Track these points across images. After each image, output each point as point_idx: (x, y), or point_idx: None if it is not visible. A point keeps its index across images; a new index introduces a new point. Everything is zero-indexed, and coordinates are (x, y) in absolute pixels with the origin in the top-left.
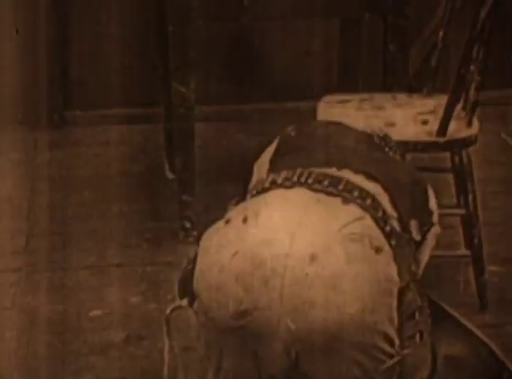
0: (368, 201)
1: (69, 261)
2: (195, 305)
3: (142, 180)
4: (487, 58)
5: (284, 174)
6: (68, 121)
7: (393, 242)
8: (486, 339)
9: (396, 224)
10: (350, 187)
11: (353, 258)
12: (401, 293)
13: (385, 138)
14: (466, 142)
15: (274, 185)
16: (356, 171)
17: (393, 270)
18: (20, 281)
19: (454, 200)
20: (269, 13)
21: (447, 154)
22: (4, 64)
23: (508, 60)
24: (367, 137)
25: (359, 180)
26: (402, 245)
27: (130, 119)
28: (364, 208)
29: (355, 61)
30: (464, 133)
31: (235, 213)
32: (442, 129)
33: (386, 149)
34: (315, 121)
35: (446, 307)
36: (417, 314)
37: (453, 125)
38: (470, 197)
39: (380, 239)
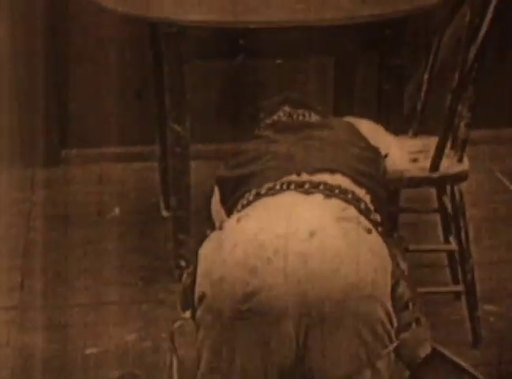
0: (349, 195)
1: (64, 299)
2: (199, 311)
3: (137, 218)
4: (477, 96)
5: (265, 187)
6: (64, 160)
7: (380, 232)
8: (480, 377)
9: (376, 214)
10: (329, 187)
11: (349, 234)
12: (392, 289)
13: (291, 114)
14: (458, 177)
15: (259, 196)
16: (321, 170)
17: (385, 250)
18: (16, 319)
19: (441, 240)
20: (265, 52)
21: (433, 195)
22: (1, 102)
23: (503, 99)
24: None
25: (331, 177)
26: (389, 240)
27: (126, 157)
28: (347, 201)
29: (350, 99)
30: (456, 168)
31: (226, 222)
32: (435, 164)
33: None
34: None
35: (436, 345)
36: (410, 305)
37: (444, 162)
38: (462, 233)
39: (368, 224)
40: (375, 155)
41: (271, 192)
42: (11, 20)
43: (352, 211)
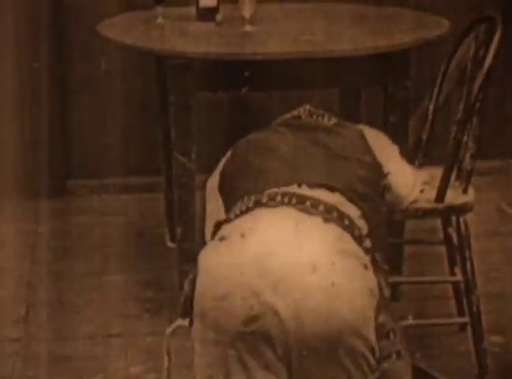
0: (346, 221)
1: (69, 331)
2: (198, 323)
3: (143, 249)
4: (482, 127)
5: (266, 194)
6: (69, 191)
7: (370, 259)
8: None
9: (363, 224)
10: (329, 209)
11: (349, 272)
12: (376, 315)
13: (311, 113)
14: (463, 208)
15: (258, 204)
16: (319, 186)
17: (375, 285)
18: (20, 351)
19: (446, 271)
20: (270, 84)
21: (438, 226)
22: (5, 134)
23: (507, 130)
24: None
25: (328, 195)
26: (376, 268)
27: (131, 188)
28: (344, 227)
29: None
30: (461, 199)
31: (228, 231)
32: (440, 195)
33: (322, 124)
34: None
35: (438, 375)
36: (391, 335)
37: (449, 193)
38: (468, 264)
39: (364, 257)
40: (377, 174)
41: (271, 203)
42: (16, 51)
43: (348, 239)
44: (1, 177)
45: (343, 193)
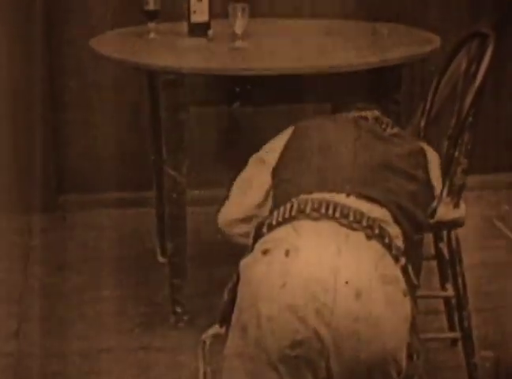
0: (386, 239)
1: (60, 346)
2: (238, 337)
3: (134, 264)
4: (473, 142)
5: (310, 204)
6: (61, 205)
7: (405, 278)
8: None
9: (401, 243)
10: (372, 224)
11: (390, 300)
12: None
13: (377, 119)
14: (454, 223)
15: (302, 214)
16: (365, 197)
17: (410, 310)
18: (12, 366)
19: (438, 286)
20: (261, 99)
21: (429, 241)
22: None
23: (499, 145)
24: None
25: (372, 208)
26: (410, 288)
27: (123, 203)
28: (383, 245)
29: None
30: (452, 214)
31: (271, 245)
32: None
33: (384, 132)
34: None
35: None
36: (415, 356)
37: (440, 208)
38: (459, 279)
39: (403, 281)
40: (427, 194)
41: (315, 215)
42: (8, 66)
43: (389, 261)
44: None
45: (390, 210)
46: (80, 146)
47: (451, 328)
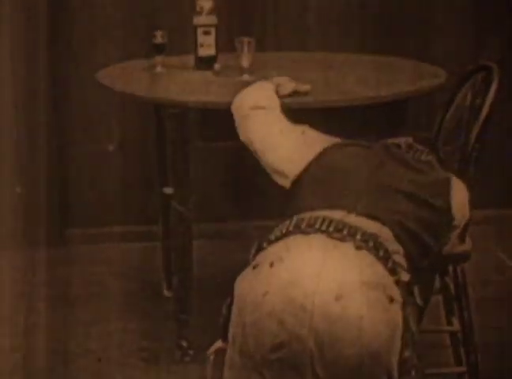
0: (381, 252)
1: None
2: (230, 349)
3: (140, 298)
4: (479, 176)
5: (307, 220)
6: (66, 239)
7: (402, 292)
8: None
9: (403, 260)
10: (366, 238)
11: (372, 304)
12: (401, 349)
13: (411, 147)
14: (460, 258)
15: (297, 229)
16: (368, 216)
17: (400, 319)
18: None
19: (444, 321)
20: None
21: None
22: (4, 182)
23: (504, 180)
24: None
25: (372, 225)
26: (408, 302)
27: (129, 237)
28: (377, 257)
29: None
30: (458, 249)
31: (261, 259)
32: None
33: (414, 160)
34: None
35: None
36: (413, 372)
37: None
38: (465, 314)
39: (392, 289)
40: (443, 221)
41: (308, 230)
42: (15, 99)
43: (378, 269)
44: None
45: (391, 228)
46: (86, 180)
47: (457, 363)
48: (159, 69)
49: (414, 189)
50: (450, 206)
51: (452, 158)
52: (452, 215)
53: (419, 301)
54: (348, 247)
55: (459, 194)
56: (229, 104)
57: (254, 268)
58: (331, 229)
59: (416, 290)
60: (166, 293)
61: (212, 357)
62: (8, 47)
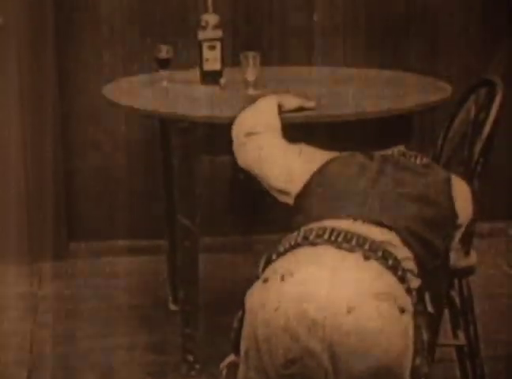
0: (390, 261)
1: None
2: (243, 365)
3: (145, 312)
4: (483, 190)
5: (315, 231)
6: (72, 253)
7: (412, 300)
8: None
9: (413, 265)
10: (375, 247)
11: (384, 316)
12: (412, 358)
13: (404, 154)
14: (465, 271)
15: (305, 241)
16: (375, 223)
17: (412, 328)
18: None
19: (450, 334)
20: None
21: None
22: (9, 195)
23: (508, 193)
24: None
25: (379, 232)
26: (418, 310)
27: (134, 251)
28: (386, 266)
29: None
30: (463, 262)
31: (271, 272)
32: None
33: (411, 163)
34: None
35: None
36: None
37: (451, 256)
38: (471, 328)
39: (403, 299)
40: (448, 221)
41: (317, 241)
42: (21, 114)
43: (387, 279)
44: (3, 239)
45: (398, 233)
46: (92, 193)
47: (464, 377)
48: (164, 83)
49: (417, 191)
50: (454, 204)
51: (456, 171)
52: (456, 214)
53: (430, 308)
54: (356, 258)
55: (461, 192)
56: (234, 119)
57: (265, 281)
58: (340, 239)
59: (426, 296)
60: (172, 307)
61: (224, 371)
62: (15, 64)
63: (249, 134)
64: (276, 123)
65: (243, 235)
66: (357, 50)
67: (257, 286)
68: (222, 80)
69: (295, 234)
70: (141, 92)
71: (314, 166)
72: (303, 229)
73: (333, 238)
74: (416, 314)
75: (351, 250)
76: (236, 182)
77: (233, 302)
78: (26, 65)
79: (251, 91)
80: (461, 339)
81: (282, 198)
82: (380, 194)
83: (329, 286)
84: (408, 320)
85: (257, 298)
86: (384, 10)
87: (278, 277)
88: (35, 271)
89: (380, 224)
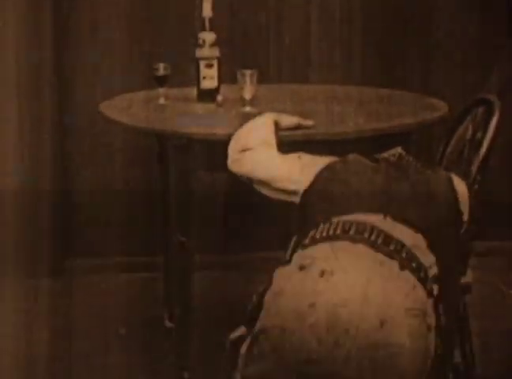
0: (422, 274)
1: None
2: (258, 339)
3: (141, 329)
4: (480, 209)
5: (355, 226)
6: (68, 270)
7: (437, 316)
8: None
9: (436, 270)
10: (410, 256)
11: (413, 333)
12: (428, 373)
13: (401, 157)
14: (462, 290)
15: (345, 235)
16: (404, 221)
17: (433, 346)
18: None
19: None
20: None
21: None
22: (6, 211)
23: (505, 212)
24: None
25: (409, 234)
26: (439, 326)
27: (130, 268)
28: (418, 278)
29: None
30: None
31: (308, 261)
32: None
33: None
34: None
35: None
36: None
37: None
38: (467, 346)
39: (431, 316)
40: (458, 220)
41: (357, 237)
42: (19, 130)
43: (420, 293)
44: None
45: (425, 236)
46: (88, 210)
47: None
48: (161, 100)
49: (425, 190)
50: (459, 202)
51: None
52: (462, 212)
53: (443, 320)
54: (393, 266)
55: (462, 190)
56: (231, 136)
57: (301, 269)
58: (379, 241)
59: (440, 308)
60: (167, 324)
61: (230, 342)
62: (14, 83)
63: (243, 151)
64: (271, 139)
65: (239, 253)
66: (354, 68)
67: (292, 270)
68: (219, 98)
69: (334, 223)
70: (138, 109)
71: (317, 168)
72: (340, 220)
73: (373, 237)
74: (438, 331)
75: (389, 256)
76: (231, 200)
77: (228, 319)
78: (24, 81)
79: (248, 109)
80: (457, 357)
81: (289, 198)
82: (397, 193)
83: (366, 296)
84: (432, 337)
85: (291, 284)
86: (381, 29)
87: (318, 271)
88: (30, 287)
89: (407, 223)
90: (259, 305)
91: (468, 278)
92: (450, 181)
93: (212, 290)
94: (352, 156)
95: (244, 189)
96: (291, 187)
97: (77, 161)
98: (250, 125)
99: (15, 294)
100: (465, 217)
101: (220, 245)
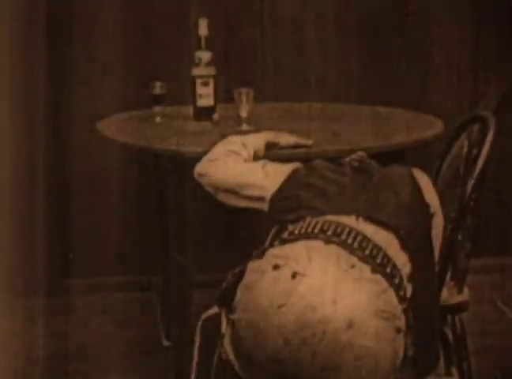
0: (396, 281)
1: None
2: (230, 327)
3: (139, 348)
4: (477, 226)
5: (333, 226)
6: (66, 289)
7: (406, 319)
8: None
9: (409, 268)
10: (385, 262)
11: (380, 335)
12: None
13: (362, 160)
14: (458, 308)
15: (322, 233)
16: (376, 222)
17: (402, 349)
18: None
19: (443, 371)
20: None
21: None
22: (2, 232)
23: (502, 228)
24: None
25: (383, 235)
26: (409, 327)
27: (128, 287)
28: (391, 284)
29: None
30: (456, 299)
31: (282, 262)
32: None
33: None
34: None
35: None
36: None
37: (444, 293)
38: (464, 364)
39: (401, 319)
40: (425, 214)
41: (334, 239)
42: (14, 150)
43: (390, 297)
44: None
45: (397, 235)
46: (85, 229)
47: None
48: (158, 119)
49: (396, 188)
50: (423, 194)
51: (450, 207)
52: (428, 204)
53: (414, 322)
54: (364, 269)
55: (424, 182)
56: None
57: (275, 268)
58: (355, 245)
59: (412, 309)
60: (165, 342)
61: (203, 321)
62: (8, 100)
63: (211, 161)
64: (241, 150)
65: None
66: (350, 86)
67: (265, 269)
68: (215, 116)
69: (313, 221)
70: (134, 128)
71: (282, 174)
72: (320, 219)
73: (349, 240)
74: (407, 333)
75: (363, 260)
76: (230, 218)
77: None
78: (18, 100)
79: (244, 128)
80: (455, 375)
81: (258, 205)
82: (363, 194)
83: (335, 299)
84: (400, 339)
85: (263, 283)
86: (377, 47)
87: (290, 272)
88: (28, 307)
89: (379, 223)
90: (233, 285)
91: (464, 296)
92: (411, 174)
93: (209, 308)
94: (316, 161)
95: (241, 208)
96: (259, 193)
97: (73, 181)
98: (226, 140)
99: (13, 313)
100: (432, 209)
101: (217, 264)
